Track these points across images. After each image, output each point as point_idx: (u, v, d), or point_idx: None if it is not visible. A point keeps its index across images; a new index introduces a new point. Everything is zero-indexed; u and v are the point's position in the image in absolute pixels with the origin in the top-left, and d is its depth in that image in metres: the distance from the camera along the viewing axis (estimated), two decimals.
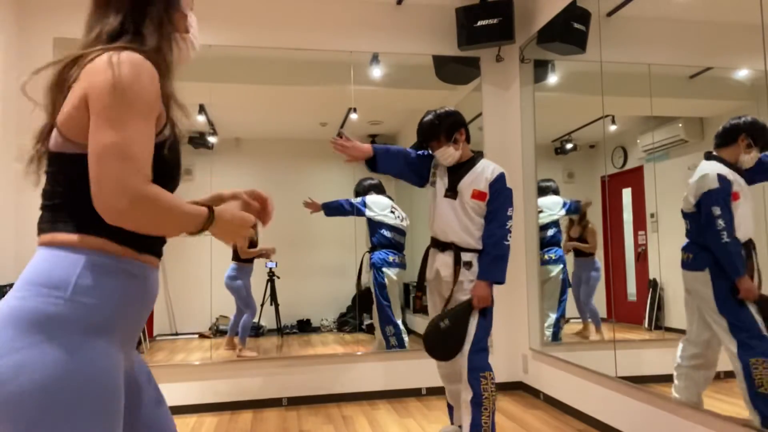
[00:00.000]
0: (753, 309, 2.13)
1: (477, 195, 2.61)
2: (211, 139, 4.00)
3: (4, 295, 2.94)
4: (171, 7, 1.16)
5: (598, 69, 2.98)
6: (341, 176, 4.23)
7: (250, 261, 3.96)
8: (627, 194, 2.90)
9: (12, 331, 0.92)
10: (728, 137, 2.31)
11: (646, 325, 2.77)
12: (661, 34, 2.59)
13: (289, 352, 4.02)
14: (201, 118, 3.96)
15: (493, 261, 2.56)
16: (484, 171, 2.65)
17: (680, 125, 2.52)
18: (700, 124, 2.41)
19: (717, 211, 2.22)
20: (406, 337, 3.87)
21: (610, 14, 2.93)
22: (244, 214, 1.18)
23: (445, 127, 2.62)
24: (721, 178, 2.23)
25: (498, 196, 2.60)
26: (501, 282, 2.59)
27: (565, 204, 3.57)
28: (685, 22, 2.45)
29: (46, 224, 1.04)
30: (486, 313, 2.62)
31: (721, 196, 2.22)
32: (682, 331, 2.45)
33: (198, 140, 4.03)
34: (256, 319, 4.16)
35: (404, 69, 4.05)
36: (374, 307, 3.95)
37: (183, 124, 1.15)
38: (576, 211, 3.44)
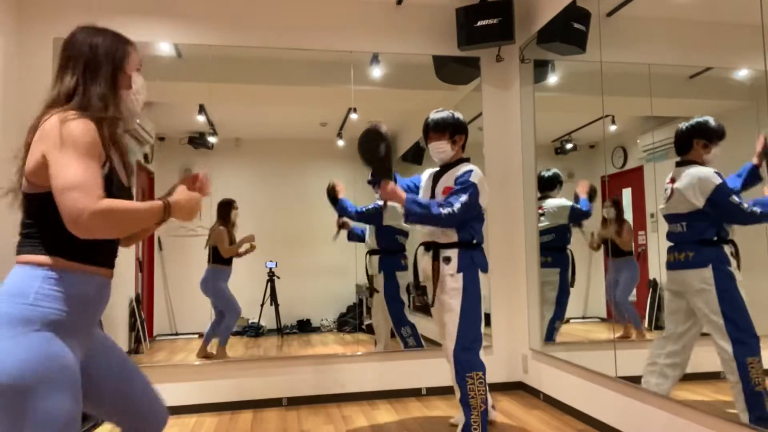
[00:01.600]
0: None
1: (446, 190, 2.77)
2: (211, 139, 4.00)
3: None
4: (117, 70, 1.47)
5: (598, 69, 2.98)
6: (341, 176, 4.23)
7: (229, 262, 3.92)
8: (627, 194, 2.90)
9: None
10: (684, 144, 2.48)
11: (646, 325, 2.77)
12: (661, 34, 2.59)
13: (289, 352, 4.02)
14: (201, 118, 3.96)
15: (422, 206, 2.64)
16: (457, 170, 2.80)
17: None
18: None
19: (736, 198, 2.26)
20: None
21: (610, 14, 2.93)
22: (192, 193, 1.52)
23: (452, 125, 2.83)
24: (718, 174, 2.33)
25: (458, 185, 2.72)
26: (407, 209, 2.64)
27: (574, 210, 3.53)
28: (685, 22, 2.45)
29: (19, 247, 1.37)
30: (468, 311, 2.69)
31: (728, 187, 2.29)
32: None
33: (198, 140, 4.03)
34: (255, 319, 4.16)
35: (404, 69, 4.05)
36: (378, 309, 3.93)
37: (119, 165, 1.48)
38: (585, 216, 3.39)
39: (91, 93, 1.41)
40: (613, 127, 2.96)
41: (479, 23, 3.72)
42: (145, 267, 3.99)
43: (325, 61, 3.89)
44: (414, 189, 3.05)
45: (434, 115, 2.86)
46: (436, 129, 2.84)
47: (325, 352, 3.92)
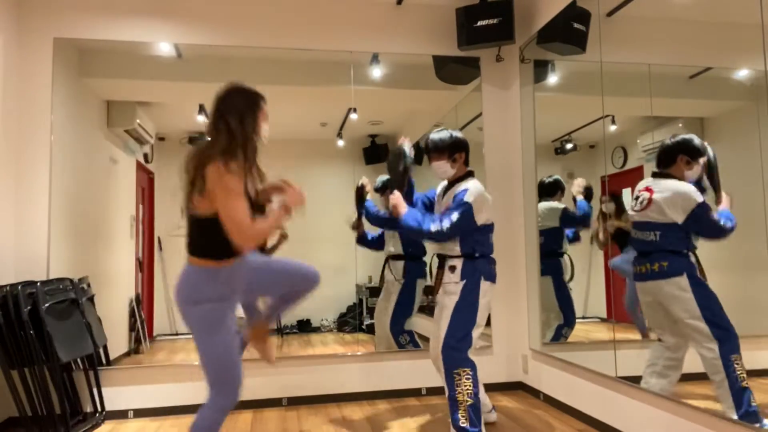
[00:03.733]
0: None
1: (447, 208, 2.86)
2: None
3: (4, 296, 2.92)
4: (255, 132, 2.09)
5: (598, 69, 2.98)
6: (341, 176, 4.23)
7: None
8: (627, 194, 2.90)
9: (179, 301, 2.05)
10: (668, 159, 2.55)
11: (647, 324, 2.78)
12: (661, 34, 2.59)
13: (289, 352, 4.02)
14: (201, 118, 3.96)
15: (413, 218, 2.80)
16: (458, 188, 2.87)
17: (680, 125, 2.52)
18: (700, 124, 2.41)
19: (715, 216, 2.36)
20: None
21: (610, 14, 2.93)
22: (294, 191, 2.22)
23: (450, 145, 2.90)
24: (697, 192, 2.43)
25: (453, 204, 2.81)
26: (402, 218, 2.81)
27: (566, 213, 3.54)
28: (685, 22, 2.45)
29: (190, 251, 2.03)
30: (460, 313, 2.77)
31: (707, 205, 2.40)
32: None
33: (198, 140, 4.03)
34: None
35: (404, 69, 4.05)
36: (382, 313, 3.93)
37: (256, 185, 2.12)
38: (581, 220, 3.38)
39: (239, 149, 1.97)
40: (613, 127, 2.96)
41: (479, 23, 3.72)
42: (145, 267, 3.99)
43: (325, 61, 3.89)
44: (427, 203, 3.22)
45: (433, 136, 2.93)
46: (435, 150, 2.92)
47: (325, 352, 3.92)
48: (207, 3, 3.72)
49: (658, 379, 2.60)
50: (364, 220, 3.70)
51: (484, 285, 2.83)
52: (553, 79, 3.63)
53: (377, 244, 4.00)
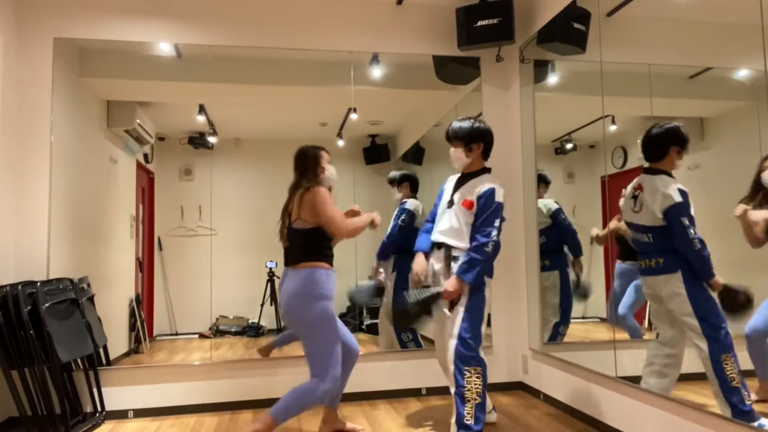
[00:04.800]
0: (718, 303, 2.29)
1: (466, 203, 2.87)
2: (211, 139, 4.00)
3: (4, 296, 2.93)
4: (317, 167, 2.86)
5: (598, 69, 2.98)
6: (341, 176, 4.22)
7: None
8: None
9: (302, 298, 2.66)
10: (659, 151, 2.53)
11: (646, 324, 2.78)
12: (661, 34, 2.59)
13: (289, 352, 4.02)
14: (201, 118, 3.96)
15: (469, 263, 2.75)
16: (477, 184, 2.87)
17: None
18: (700, 124, 2.41)
19: (686, 221, 2.37)
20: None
21: (610, 14, 2.93)
22: (372, 216, 2.99)
23: (468, 134, 2.90)
24: (681, 192, 2.40)
25: (485, 207, 2.80)
26: (471, 283, 2.75)
27: (556, 212, 3.56)
28: (685, 22, 2.45)
29: (299, 257, 2.73)
30: (472, 310, 2.77)
31: (684, 207, 2.38)
32: None
33: (198, 140, 4.03)
34: (255, 319, 4.16)
35: (404, 69, 4.05)
36: (384, 309, 3.95)
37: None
38: (568, 233, 3.41)
39: (312, 177, 2.82)
40: (613, 127, 2.95)
41: (479, 23, 3.72)
42: (145, 267, 3.99)
43: (325, 61, 3.89)
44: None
45: (454, 124, 2.95)
46: (454, 137, 2.93)
47: None
48: (207, 3, 3.72)
49: (658, 379, 2.60)
50: None
51: (486, 281, 2.86)
52: (553, 79, 3.63)
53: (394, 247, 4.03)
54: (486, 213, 2.78)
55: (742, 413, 2.14)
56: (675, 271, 2.45)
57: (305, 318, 2.60)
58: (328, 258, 2.74)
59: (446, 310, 2.85)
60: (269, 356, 3.72)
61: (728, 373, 2.20)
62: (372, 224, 2.93)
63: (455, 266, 2.83)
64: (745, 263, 2.18)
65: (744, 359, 2.17)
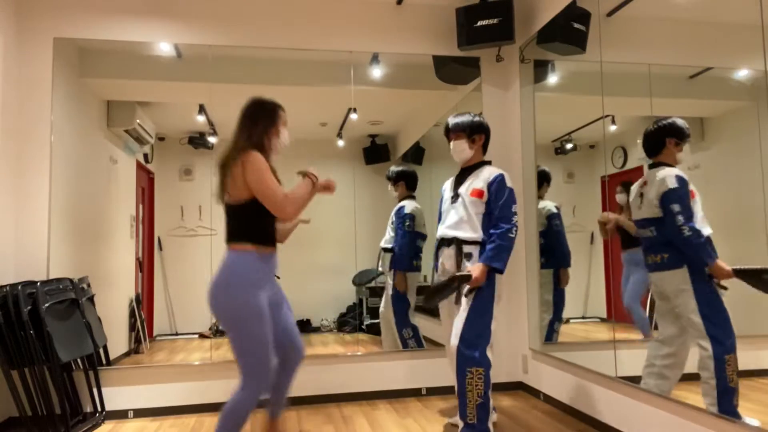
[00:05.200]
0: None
1: (475, 193, 2.84)
2: (211, 139, 4.00)
3: (4, 296, 2.92)
4: (271, 128, 2.38)
5: (598, 69, 2.98)
6: (341, 177, 4.23)
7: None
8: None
9: (220, 287, 2.19)
10: (657, 144, 2.54)
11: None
12: (661, 34, 2.59)
13: None
14: (201, 118, 3.96)
15: (496, 249, 2.71)
16: (484, 173, 2.87)
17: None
18: (700, 124, 2.41)
19: (676, 207, 2.34)
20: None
21: (610, 14, 2.93)
22: (322, 181, 2.43)
23: (471, 125, 2.92)
24: (679, 178, 2.38)
25: (499, 194, 2.79)
26: (500, 270, 2.71)
27: (551, 217, 3.56)
28: (685, 22, 2.45)
29: (228, 238, 2.26)
30: (478, 308, 2.75)
31: (678, 194, 2.35)
32: None
33: (198, 140, 4.03)
34: None
35: (404, 69, 4.05)
36: (384, 309, 3.94)
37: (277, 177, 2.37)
38: (557, 240, 3.42)
39: (257, 140, 2.32)
40: (613, 127, 2.95)
41: (479, 23, 3.72)
42: (145, 267, 3.99)
43: (325, 61, 3.89)
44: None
45: (452, 118, 2.96)
46: (455, 129, 2.94)
47: (325, 352, 3.92)
48: (207, 3, 3.72)
49: (657, 381, 2.58)
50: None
51: (498, 277, 2.83)
52: (553, 79, 3.63)
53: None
54: (502, 200, 2.79)
55: (727, 412, 2.17)
56: (680, 267, 2.40)
57: (225, 310, 2.16)
58: (261, 238, 2.25)
59: (463, 299, 2.79)
60: None
61: (728, 373, 2.19)
62: (324, 188, 2.42)
63: (468, 264, 2.80)
64: (745, 263, 2.18)
65: (748, 359, 2.17)
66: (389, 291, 3.94)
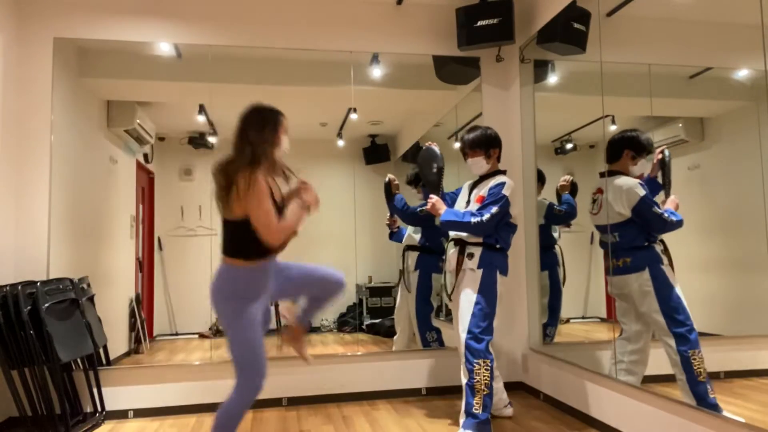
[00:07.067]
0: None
1: (478, 199, 2.99)
2: (211, 139, 4.01)
3: (4, 296, 2.92)
4: (274, 143, 2.29)
5: (598, 69, 2.98)
6: (341, 176, 4.23)
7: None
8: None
9: (215, 295, 2.26)
10: (615, 152, 2.75)
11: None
12: (661, 34, 2.59)
13: (290, 352, 4.02)
14: (201, 118, 3.96)
15: (456, 218, 2.93)
16: (491, 181, 2.99)
17: (680, 125, 2.52)
18: (700, 124, 2.41)
19: (656, 209, 2.51)
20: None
21: (610, 14, 2.93)
22: (305, 201, 2.36)
23: (487, 141, 3.04)
24: (642, 185, 2.57)
25: (490, 195, 2.94)
26: (441, 221, 2.97)
27: (551, 209, 3.57)
28: (685, 22, 2.45)
29: (223, 249, 2.29)
30: (482, 304, 2.90)
31: (649, 198, 2.54)
32: None
33: (198, 140, 4.04)
34: None
35: (404, 69, 4.05)
36: (402, 309, 3.92)
37: (282, 188, 2.37)
38: (566, 217, 3.42)
39: (260, 157, 2.22)
40: (613, 127, 2.96)
41: (479, 23, 3.72)
42: (145, 267, 3.99)
43: (325, 61, 3.89)
44: (454, 199, 3.28)
45: (469, 135, 3.05)
46: (472, 147, 3.05)
47: (325, 352, 3.92)
48: (207, 3, 3.72)
49: (626, 377, 2.72)
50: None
51: (500, 277, 2.96)
52: (553, 79, 3.63)
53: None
54: (491, 198, 2.92)
55: (708, 405, 2.24)
56: (643, 270, 2.56)
57: (219, 314, 2.28)
58: (254, 254, 2.28)
59: (461, 296, 2.97)
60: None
61: (695, 367, 2.31)
62: (309, 207, 2.37)
63: (469, 262, 2.95)
64: (745, 263, 2.18)
65: (748, 359, 2.17)
66: (413, 292, 3.89)
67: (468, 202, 3.07)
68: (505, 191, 2.90)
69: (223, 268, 2.27)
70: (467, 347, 2.89)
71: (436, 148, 3.16)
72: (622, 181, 2.66)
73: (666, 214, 2.44)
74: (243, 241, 2.24)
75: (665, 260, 2.51)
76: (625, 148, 2.69)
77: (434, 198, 3.07)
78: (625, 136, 2.70)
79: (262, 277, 2.31)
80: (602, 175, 2.79)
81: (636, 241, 2.59)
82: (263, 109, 2.31)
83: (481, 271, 2.92)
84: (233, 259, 2.25)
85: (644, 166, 2.60)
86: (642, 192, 2.56)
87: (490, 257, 2.93)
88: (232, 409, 2.25)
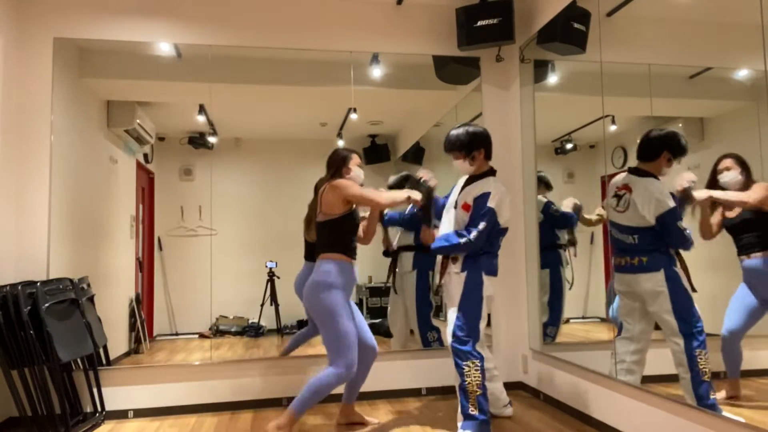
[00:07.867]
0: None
1: (463, 206, 2.95)
2: (211, 139, 4.01)
3: (4, 296, 2.92)
4: (344, 168, 2.99)
5: (598, 69, 2.98)
6: None
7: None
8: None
9: (313, 287, 2.83)
10: (652, 153, 2.59)
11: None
12: (661, 34, 2.59)
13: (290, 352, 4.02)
14: (201, 118, 3.96)
15: (446, 241, 2.90)
16: (477, 188, 2.93)
17: (680, 125, 2.52)
18: (700, 124, 2.41)
19: (681, 224, 2.45)
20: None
21: (610, 14, 2.93)
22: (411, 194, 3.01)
23: (467, 143, 2.94)
24: (671, 195, 2.49)
25: (476, 210, 2.88)
26: (432, 250, 2.95)
27: (548, 208, 3.57)
28: (685, 22, 2.45)
29: (319, 249, 2.90)
30: (465, 307, 2.88)
31: (677, 212, 2.47)
32: None
33: (198, 140, 4.03)
34: (255, 319, 4.16)
35: (404, 69, 4.05)
36: (396, 310, 3.92)
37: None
38: (564, 221, 3.41)
39: (340, 176, 2.95)
40: (613, 127, 2.96)
41: (479, 23, 3.72)
42: (145, 267, 3.99)
43: (325, 61, 3.89)
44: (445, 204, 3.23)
45: (451, 134, 2.99)
46: (451, 149, 2.98)
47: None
48: (207, 3, 3.72)
49: (627, 377, 2.72)
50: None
51: (486, 279, 2.91)
52: (553, 79, 3.63)
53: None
54: (475, 214, 2.88)
55: (707, 406, 2.26)
56: (658, 270, 2.53)
57: (317, 306, 2.77)
58: (345, 250, 2.85)
59: (446, 296, 3.02)
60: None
61: (701, 366, 2.32)
62: (410, 199, 2.93)
63: (453, 266, 2.95)
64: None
65: (748, 359, 2.17)
66: (412, 292, 3.89)
67: (456, 204, 3.01)
68: (491, 203, 2.84)
69: (319, 264, 2.84)
70: (453, 350, 2.88)
71: (432, 183, 3.03)
72: (655, 187, 2.55)
73: (688, 231, 2.41)
74: (334, 238, 2.84)
75: (678, 263, 2.50)
76: (664, 149, 2.54)
77: (428, 231, 3.01)
78: (667, 136, 2.53)
79: (351, 272, 2.87)
80: (631, 171, 2.67)
81: (656, 245, 2.55)
82: (337, 151, 3.05)
83: (464, 274, 2.90)
84: (329, 253, 2.84)
85: (671, 171, 2.54)
86: (672, 204, 2.47)
87: (473, 260, 2.90)
88: (327, 383, 2.73)
